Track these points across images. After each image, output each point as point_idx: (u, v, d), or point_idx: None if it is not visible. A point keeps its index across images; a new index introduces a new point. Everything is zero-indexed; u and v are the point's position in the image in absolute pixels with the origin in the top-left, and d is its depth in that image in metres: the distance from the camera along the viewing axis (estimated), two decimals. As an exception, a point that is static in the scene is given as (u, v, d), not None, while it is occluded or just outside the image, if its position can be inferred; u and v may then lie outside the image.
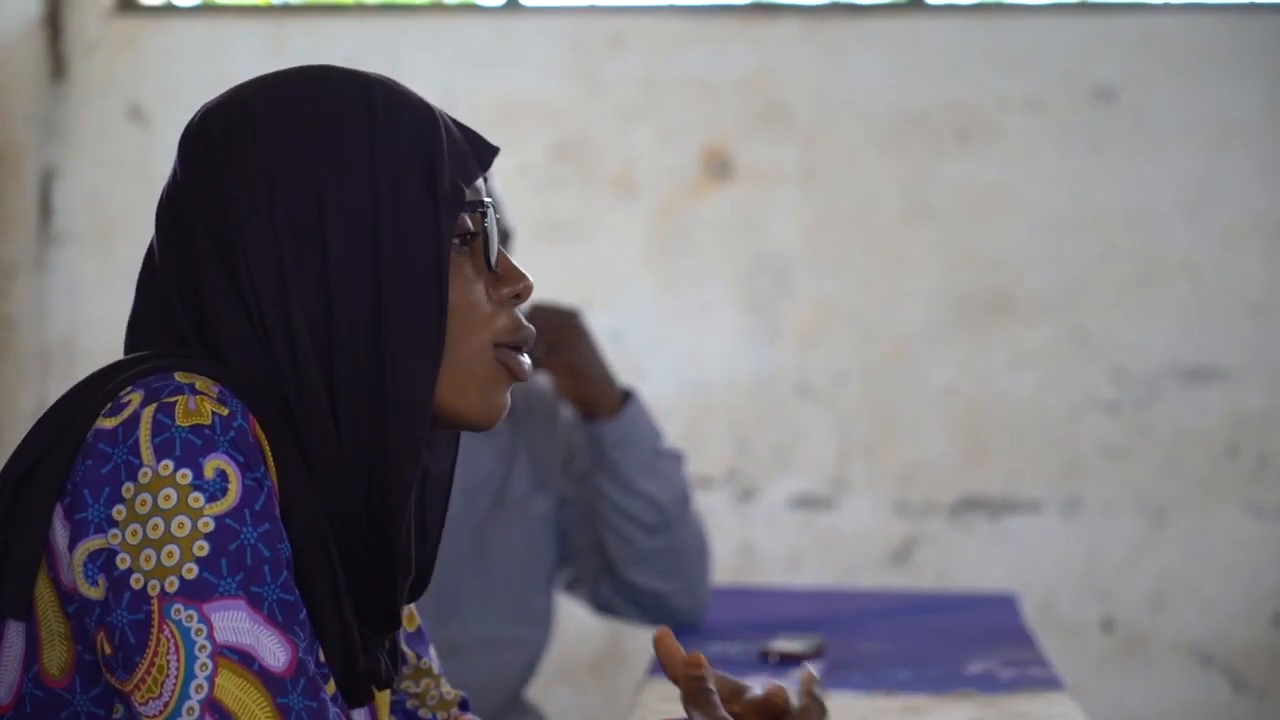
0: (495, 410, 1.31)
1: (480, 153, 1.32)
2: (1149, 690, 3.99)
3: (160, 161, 4.09)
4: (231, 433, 1.17)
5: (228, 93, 1.31)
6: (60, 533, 1.18)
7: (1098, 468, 4.00)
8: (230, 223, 1.25)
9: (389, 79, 1.31)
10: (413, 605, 1.47)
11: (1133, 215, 4.01)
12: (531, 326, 1.33)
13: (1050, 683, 2.16)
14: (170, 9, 4.26)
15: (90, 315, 4.13)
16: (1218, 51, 4.00)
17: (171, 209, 1.30)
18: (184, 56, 4.16)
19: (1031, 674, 2.20)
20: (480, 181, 1.32)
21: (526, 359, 1.32)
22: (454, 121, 1.32)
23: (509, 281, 1.31)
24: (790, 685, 1.35)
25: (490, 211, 1.31)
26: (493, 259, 1.30)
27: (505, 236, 1.35)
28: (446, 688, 1.52)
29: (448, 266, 1.26)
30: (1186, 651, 4.00)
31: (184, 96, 4.08)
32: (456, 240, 1.28)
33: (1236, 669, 3.99)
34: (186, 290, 1.26)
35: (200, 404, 1.18)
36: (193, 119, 1.31)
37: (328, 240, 1.24)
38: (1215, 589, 3.99)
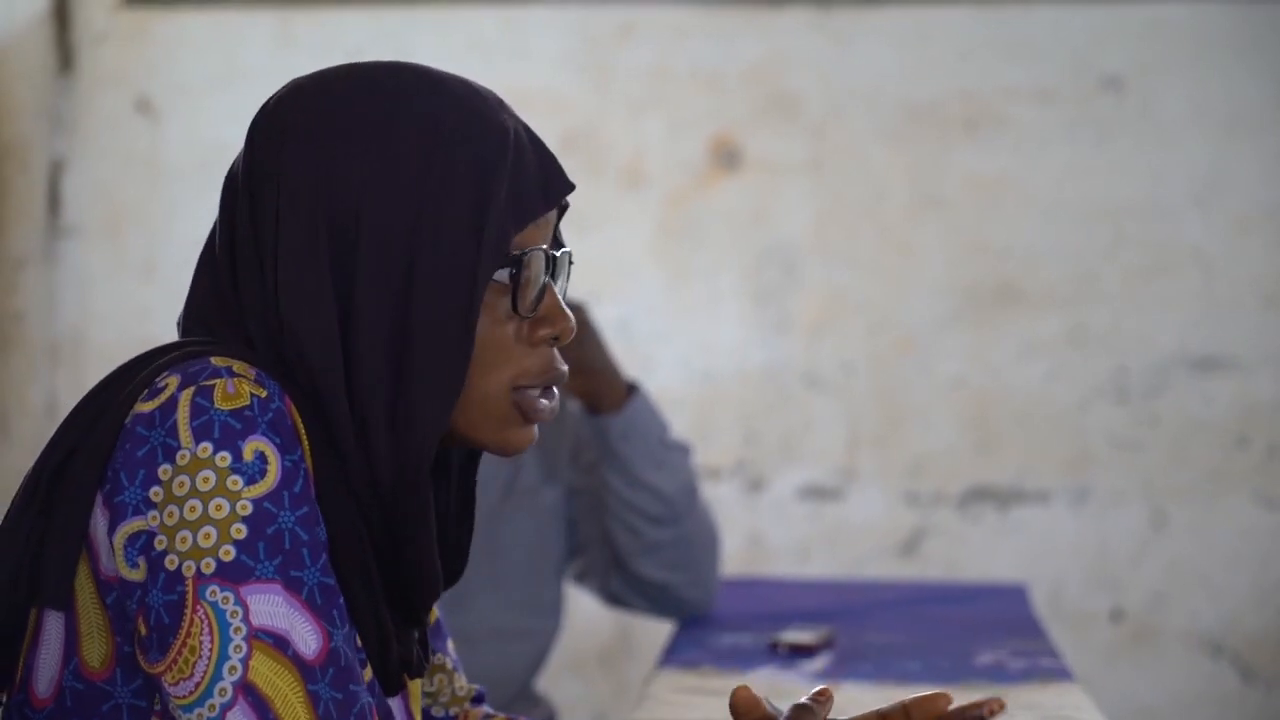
0: (514, 445, 1.28)
1: (552, 187, 1.27)
2: (1158, 680, 3.99)
3: (169, 153, 4.10)
4: (270, 414, 1.17)
5: (312, 76, 1.29)
6: (100, 520, 1.18)
7: (1107, 458, 4.00)
8: (270, 213, 1.24)
9: (474, 93, 1.27)
10: None
11: (1142, 205, 4.00)
12: (563, 368, 1.29)
13: (1060, 673, 2.15)
14: (179, 1, 4.26)
15: (99, 308, 4.13)
16: (1226, 41, 3.99)
17: (230, 182, 1.28)
18: (192, 48, 4.16)
19: (1041, 664, 2.20)
20: (550, 215, 1.28)
21: (546, 402, 1.28)
22: (535, 147, 1.28)
23: (549, 323, 1.27)
24: (807, 679, 1.35)
25: (538, 256, 1.26)
26: (522, 307, 1.26)
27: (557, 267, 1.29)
28: (460, 682, 1.51)
29: (478, 314, 1.23)
30: (1196, 642, 3.99)
31: (192, 88, 4.12)
32: (499, 275, 1.25)
33: (1245, 659, 3.98)
34: (233, 268, 1.26)
35: (239, 386, 1.17)
36: (273, 95, 1.29)
37: (360, 256, 1.22)
38: (1224, 579, 3.98)
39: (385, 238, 1.22)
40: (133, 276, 4.09)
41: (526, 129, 1.29)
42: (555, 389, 1.30)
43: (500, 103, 1.28)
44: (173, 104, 4.14)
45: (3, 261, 4.08)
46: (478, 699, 1.53)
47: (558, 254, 1.29)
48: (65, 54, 4.18)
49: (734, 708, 1.31)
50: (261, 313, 1.24)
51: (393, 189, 1.23)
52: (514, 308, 1.26)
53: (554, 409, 1.30)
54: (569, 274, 1.32)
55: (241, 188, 1.26)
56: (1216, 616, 3.99)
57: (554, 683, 3.46)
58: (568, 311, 1.29)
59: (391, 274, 1.22)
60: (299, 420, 1.20)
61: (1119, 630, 4.01)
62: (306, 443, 1.20)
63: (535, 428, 1.29)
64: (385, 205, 1.23)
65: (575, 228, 3.98)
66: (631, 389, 2.50)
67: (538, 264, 1.27)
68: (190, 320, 1.28)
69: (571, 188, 1.29)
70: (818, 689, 1.31)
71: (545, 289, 1.27)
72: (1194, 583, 3.99)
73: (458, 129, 1.25)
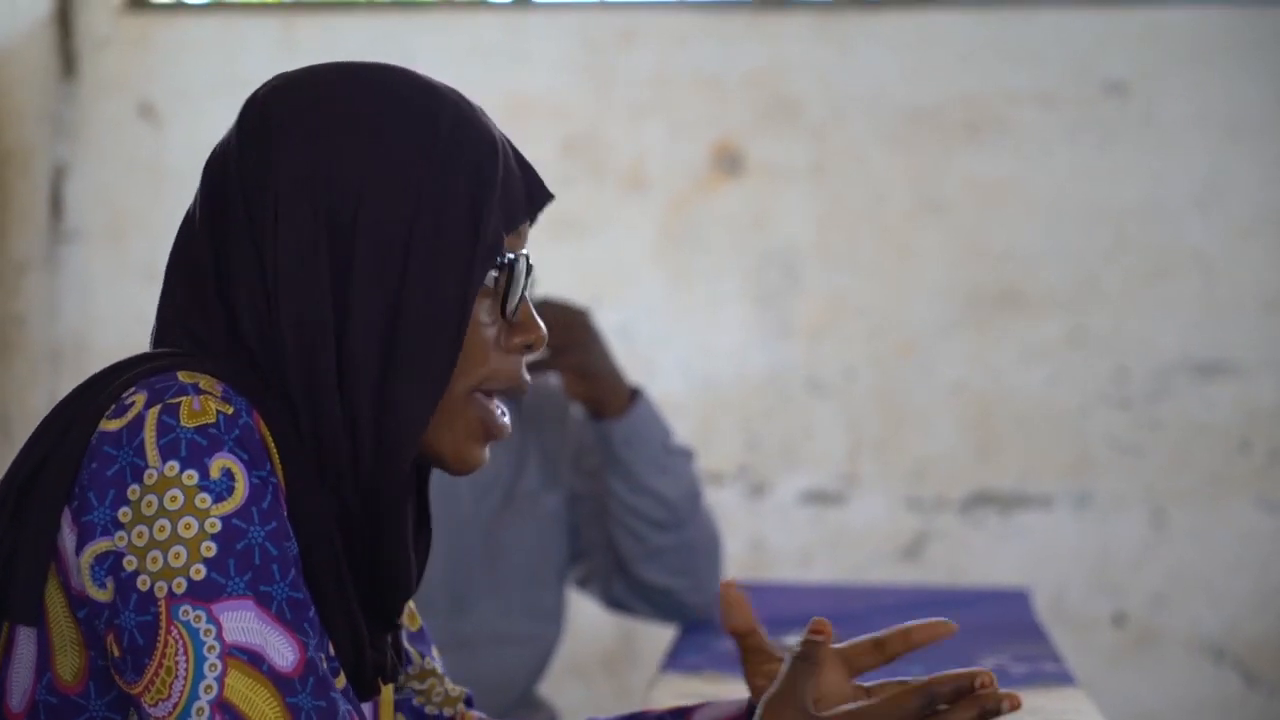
0: (469, 462, 1.29)
1: (534, 196, 1.30)
2: (1160, 685, 3.99)
3: (172, 159, 4.10)
4: (237, 430, 1.17)
5: (303, 70, 1.29)
6: (68, 537, 1.18)
7: (1109, 462, 4.00)
8: (268, 203, 1.24)
9: (463, 100, 1.29)
10: (413, 605, 1.48)
11: (1143, 209, 4.00)
12: (528, 379, 1.31)
13: (1063, 678, 2.15)
14: (181, 6, 4.26)
15: (101, 312, 4.13)
16: (1228, 45, 3.99)
17: (218, 172, 1.28)
18: (195, 54, 4.16)
19: (1044, 669, 2.20)
20: (525, 224, 1.30)
21: (505, 420, 1.30)
22: (517, 157, 1.30)
23: (523, 332, 1.29)
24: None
25: (523, 260, 1.28)
26: (509, 309, 1.28)
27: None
28: (450, 685, 1.52)
29: (470, 313, 1.25)
30: (1198, 646, 3.99)
31: (194, 94, 4.12)
32: (485, 281, 1.27)
33: (1248, 664, 3.98)
34: (220, 259, 1.25)
35: (205, 403, 1.17)
36: (262, 86, 1.29)
37: (356, 249, 1.23)
38: (1226, 584, 3.98)
39: (383, 230, 1.23)
40: (135, 281, 4.09)
41: (507, 139, 1.31)
42: (507, 408, 1.31)
43: (484, 112, 1.31)
44: (175, 109, 4.14)
45: (5, 266, 4.09)
46: (468, 701, 1.54)
47: (532, 263, 1.31)
48: (67, 59, 4.18)
49: (724, 601, 1.36)
50: (255, 300, 1.24)
51: (392, 183, 1.24)
52: (502, 310, 1.28)
53: (509, 427, 1.31)
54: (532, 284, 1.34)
55: (234, 175, 1.26)
56: (1218, 621, 3.99)
57: (556, 687, 3.46)
58: (540, 321, 1.30)
59: (388, 267, 1.23)
60: (267, 434, 1.20)
61: (1121, 634, 4.01)
62: (277, 456, 1.20)
63: (488, 451, 1.30)
64: (384, 198, 1.24)
65: (576, 233, 4.01)
66: (634, 394, 2.50)
67: (520, 268, 1.28)
68: (167, 327, 1.28)
69: (551, 197, 1.31)
70: (812, 620, 1.32)
71: (522, 296, 1.29)
72: (1196, 587, 3.99)
73: (454, 131, 1.26)
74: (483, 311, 1.27)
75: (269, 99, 1.28)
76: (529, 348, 1.30)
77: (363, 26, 4.17)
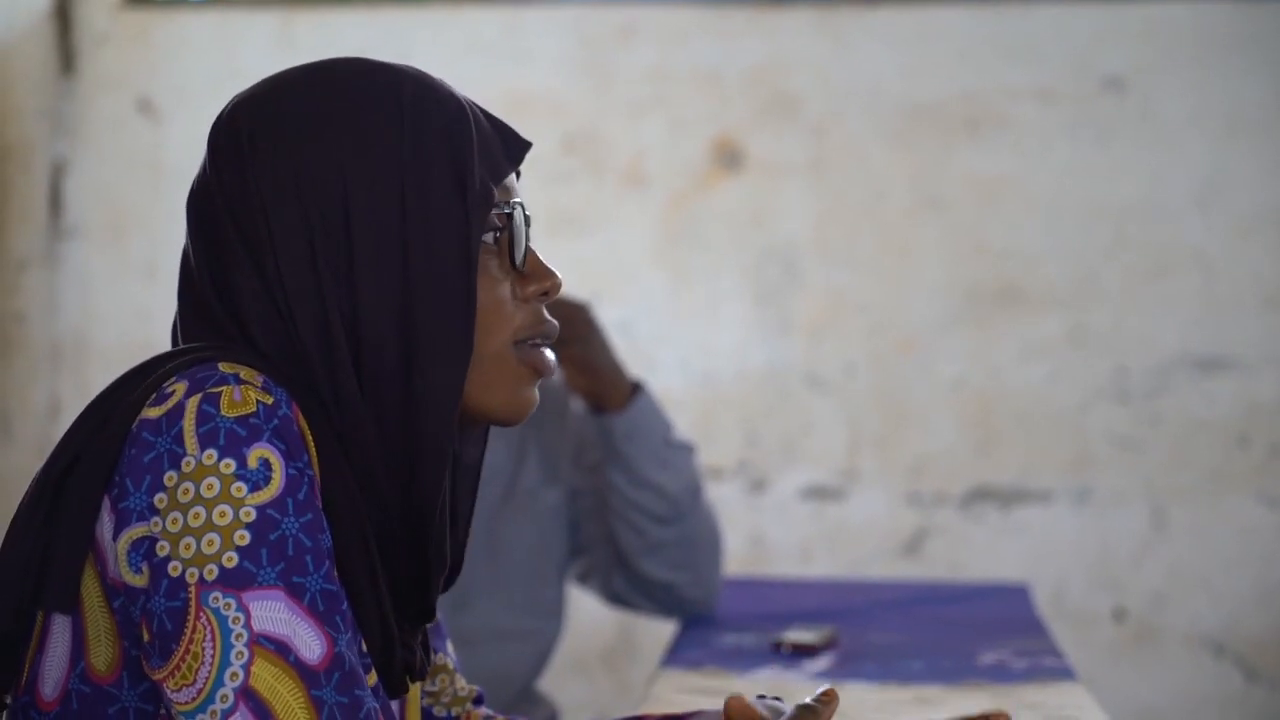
0: (523, 406, 1.31)
1: (511, 147, 1.31)
2: (1160, 680, 3.99)
3: (171, 155, 4.10)
4: (276, 421, 1.17)
5: (258, 84, 1.31)
6: (106, 524, 1.18)
7: (1108, 458, 4.00)
8: (257, 216, 1.25)
9: (420, 71, 1.30)
10: None
11: (1143, 206, 4.00)
12: (554, 321, 1.33)
13: (1063, 673, 2.15)
14: (180, 2, 4.26)
15: (101, 309, 4.13)
16: (1227, 41, 3.99)
17: (200, 201, 1.29)
18: (194, 50, 4.16)
19: (1044, 664, 2.20)
20: (511, 177, 1.31)
21: (550, 354, 1.32)
22: (485, 114, 1.31)
23: (536, 279, 1.31)
24: (810, 679, 1.35)
25: (519, 209, 1.30)
26: (518, 258, 1.30)
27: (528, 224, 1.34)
28: (461, 683, 1.52)
29: (476, 268, 1.26)
30: (1198, 641, 3.99)
31: (194, 90, 4.12)
32: (485, 238, 1.28)
33: (1248, 659, 3.98)
34: (220, 282, 1.26)
35: (245, 393, 1.18)
36: (223, 110, 1.31)
37: (353, 237, 1.24)
38: (1226, 579, 3.98)
39: (376, 216, 1.24)
40: (134, 278, 4.09)
41: (473, 101, 1.32)
42: (550, 345, 1.33)
43: (443, 81, 1.32)
44: (174, 105, 4.14)
45: (5, 263, 4.09)
46: (478, 700, 1.54)
47: (528, 212, 1.32)
48: (67, 55, 4.18)
49: (729, 718, 1.33)
50: (266, 313, 1.24)
51: (373, 168, 1.25)
52: (511, 261, 1.29)
53: (554, 363, 1.33)
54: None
55: (217, 200, 1.27)
56: (1218, 616, 3.99)
57: (557, 683, 3.46)
58: (551, 268, 1.32)
59: (388, 249, 1.24)
60: (306, 427, 1.20)
61: (1121, 630, 4.01)
62: (314, 448, 1.20)
63: (537, 390, 1.32)
64: (369, 185, 1.25)
65: (576, 229, 4.01)
66: (635, 388, 2.50)
67: (519, 217, 1.30)
68: (184, 335, 1.29)
69: (529, 145, 1.33)
70: (823, 689, 1.32)
71: (527, 246, 1.31)
72: (1196, 583, 3.99)
73: (419, 101, 1.27)
74: (493, 268, 1.28)
75: (234, 118, 1.29)
76: (545, 294, 1.31)
77: (361, 22, 4.17)
